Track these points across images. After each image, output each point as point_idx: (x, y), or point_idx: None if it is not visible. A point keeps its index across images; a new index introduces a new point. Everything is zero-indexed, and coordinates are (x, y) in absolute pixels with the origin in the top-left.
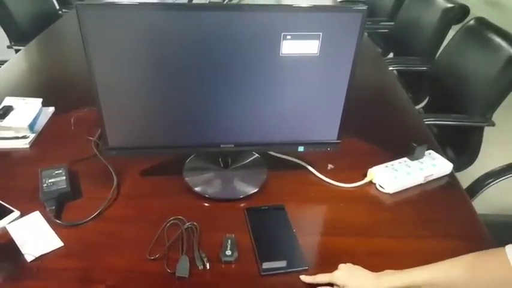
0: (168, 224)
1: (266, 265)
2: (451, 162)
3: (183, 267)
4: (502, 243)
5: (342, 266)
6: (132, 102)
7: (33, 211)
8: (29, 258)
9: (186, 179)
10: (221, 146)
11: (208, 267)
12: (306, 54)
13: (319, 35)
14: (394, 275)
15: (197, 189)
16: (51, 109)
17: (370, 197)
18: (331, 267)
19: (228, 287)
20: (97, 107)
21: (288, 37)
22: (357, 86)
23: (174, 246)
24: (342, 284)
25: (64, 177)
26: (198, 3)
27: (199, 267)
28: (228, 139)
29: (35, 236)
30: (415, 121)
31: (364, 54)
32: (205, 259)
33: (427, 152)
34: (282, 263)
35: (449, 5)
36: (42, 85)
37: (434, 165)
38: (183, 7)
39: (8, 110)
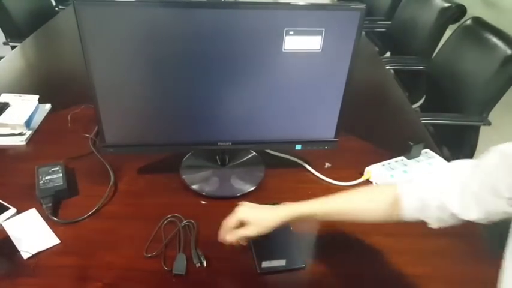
0: (165, 222)
1: (265, 264)
2: (447, 161)
3: (179, 265)
4: (497, 241)
5: (242, 202)
6: (129, 99)
7: (29, 208)
8: (25, 255)
9: (184, 176)
10: (219, 143)
11: (205, 264)
12: (309, 50)
13: (322, 31)
14: (290, 205)
15: (194, 187)
16: (48, 106)
17: None
18: (327, 265)
19: (225, 285)
20: (94, 104)
21: (291, 33)
22: (354, 85)
23: (171, 244)
24: (245, 217)
25: (61, 175)
26: (198, 1)
27: (197, 265)
28: (225, 137)
29: (31, 233)
30: (411, 120)
31: (362, 53)
32: (202, 257)
33: (423, 151)
34: (281, 262)
35: (446, 5)
36: (39, 82)
37: (430, 164)
38: (182, 4)
39: (4, 106)
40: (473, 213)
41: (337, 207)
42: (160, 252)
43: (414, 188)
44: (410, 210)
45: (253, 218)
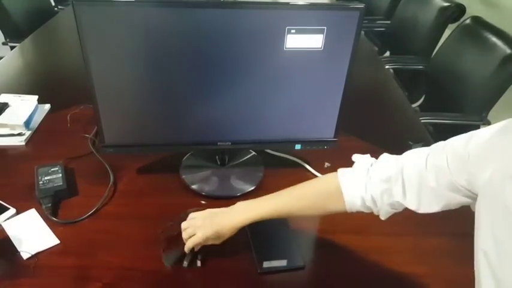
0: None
1: (266, 264)
2: None
3: (170, 258)
4: None
5: (193, 213)
6: (128, 99)
7: (29, 208)
8: (24, 255)
9: (183, 176)
10: (218, 143)
11: (199, 264)
12: (310, 49)
13: (324, 29)
14: (246, 211)
15: (194, 187)
16: (47, 106)
17: None
18: (327, 265)
19: (225, 284)
20: (93, 104)
21: (293, 31)
22: (353, 84)
23: (171, 243)
24: (201, 224)
25: (60, 175)
26: (198, 1)
27: (198, 264)
28: (225, 137)
29: (31, 233)
30: (411, 119)
31: (361, 53)
32: (199, 255)
33: None
34: (282, 262)
35: (446, 4)
36: (38, 82)
37: None
38: (182, 4)
39: (3, 107)
40: (433, 207)
41: (292, 206)
42: (160, 252)
43: (357, 183)
44: (354, 205)
45: (211, 232)
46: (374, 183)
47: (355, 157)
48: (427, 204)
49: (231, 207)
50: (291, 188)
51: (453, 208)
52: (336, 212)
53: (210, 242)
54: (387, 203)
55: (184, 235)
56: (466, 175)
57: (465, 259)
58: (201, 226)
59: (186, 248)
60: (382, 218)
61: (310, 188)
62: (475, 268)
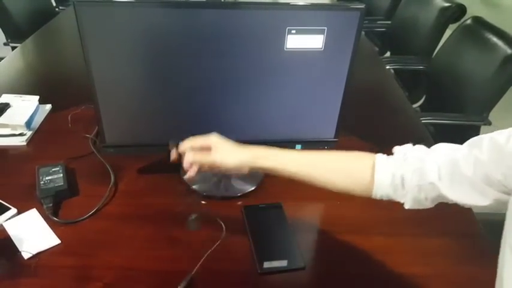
0: (166, 222)
1: (267, 264)
2: None
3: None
4: (498, 241)
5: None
6: (129, 99)
7: (30, 208)
8: (25, 255)
9: (184, 176)
10: None
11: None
12: (311, 49)
13: (324, 29)
14: (257, 152)
15: (195, 187)
16: (48, 106)
17: None
18: (328, 265)
19: (225, 284)
20: (94, 104)
21: (293, 31)
22: (354, 85)
23: (171, 243)
24: (215, 142)
25: (61, 175)
26: (198, 1)
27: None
28: (225, 136)
29: (32, 233)
30: (411, 120)
31: (362, 53)
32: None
33: None
34: (282, 263)
35: (446, 4)
36: (39, 82)
37: None
38: (183, 5)
39: (4, 107)
40: (466, 198)
41: (307, 171)
42: (161, 252)
43: (393, 163)
44: (382, 184)
45: (221, 147)
46: (408, 162)
47: (396, 149)
48: (460, 192)
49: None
50: (320, 153)
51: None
52: (360, 191)
53: (214, 162)
54: (416, 183)
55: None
56: (504, 169)
57: (466, 259)
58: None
59: (195, 159)
60: (407, 205)
61: (342, 157)
62: (499, 264)
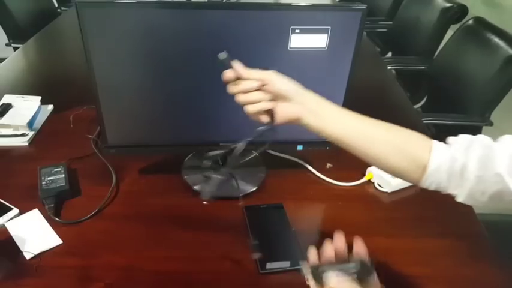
0: (166, 222)
1: (269, 265)
2: None
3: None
4: (500, 242)
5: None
6: (131, 100)
7: (32, 209)
8: (27, 255)
9: (185, 177)
10: (220, 144)
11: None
12: (315, 48)
13: (328, 29)
14: (317, 107)
15: (196, 187)
16: (50, 107)
17: (369, 196)
18: None
19: (226, 284)
20: (96, 105)
21: (297, 31)
22: (355, 85)
23: (173, 243)
24: (285, 90)
25: (63, 175)
26: (201, 2)
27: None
28: (227, 137)
29: (33, 233)
30: (413, 120)
31: (363, 54)
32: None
33: None
34: (285, 264)
35: (448, 5)
36: (41, 83)
37: None
38: (185, 5)
39: (6, 107)
40: None
41: (361, 144)
42: (163, 252)
43: (455, 148)
44: (439, 166)
45: (292, 94)
46: (473, 148)
47: (452, 138)
48: None
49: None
50: (377, 123)
51: None
52: (411, 174)
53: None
54: (478, 173)
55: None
56: None
57: (467, 260)
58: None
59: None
60: (460, 198)
61: (402, 134)
62: None
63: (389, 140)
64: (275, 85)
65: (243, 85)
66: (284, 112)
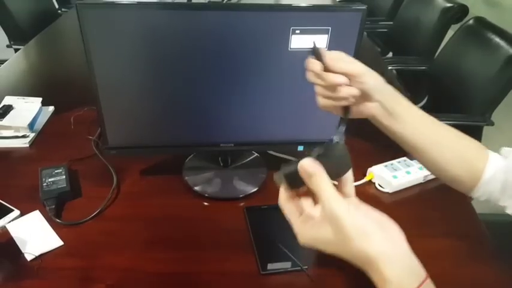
0: (167, 223)
1: (270, 266)
2: None
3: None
4: (500, 242)
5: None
6: (132, 101)
7: (33, 210)
8: (28, 257)
9: (186, 178)
10: (221, 145)
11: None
12: None
13: (328, 29)
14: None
15: (197, 188)
16: (51, 108)
17: (370, 196)
18: (330, 267)
19: (227, 285)
20: (97, 106)
21: (297, 31)
22: None
23: (175, 245)
24: (361, 76)
25: (64, 177)
26: (201, 3)
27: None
28: (228, 138)
29: (34, 235)
30: None
31: (363, 54)
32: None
33: None
34: (286, 264)
35: (449, 5)
36: (42, 84)
37: None
38: (186, 6)
39: (7, 109)
40: None
41: (428, 148)
42: (163, 253)
43: (510, 160)
44: (494, 176)
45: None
46: None
47: (506, 149)
48: None
49: None
50: (443, 127)
51: None
52: (465, 182)
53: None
54: None
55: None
56: None
57: (469, 260)
58: None
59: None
60: (510, 210)
61: (464, 142)
62: None
63: (455, 148)
64: (363, 83)
65: (330, 79)
66: (361, 109)
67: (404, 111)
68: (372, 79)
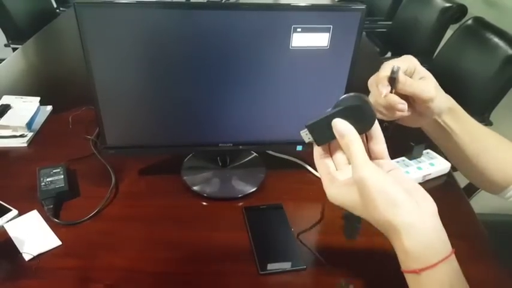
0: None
1: (270, 266)
2: (449, 161)
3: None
4: (500, 242)
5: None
6: (130, 101)
7: (31, 210)
8: (27, 257)
9: (185, 178)
10: (219, 145)
11: None
12: (316, 47)
13: (330, 27)
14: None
15: (195, 188)
16: (49, 108)
17: None
18: (329, 267)
19: (226, 285)
20: (95, 105)
21: (299, 30)
22: (355, 85)
23: (173, 244)
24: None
25: (62, 176)
26: (200, 2)
27: None
28: (226, 138)
29: (33, 234)
30: None
31: (362, 54)
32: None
33: (425, 151)
34: (285, 265)
35: (447, 5)
36: (40, 84)
37: (432, 164)
38: (185, 6)
39: (5, 108)
40: None
41: (475, 152)
42: (162, 253)
43: None
44: None
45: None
46: None
47: None
48: None
49: None
50: (488, 132)
51: None
52: (498, 183)
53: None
54: None
55: None
56: None
57: (467, 260)
58: None
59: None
60: None
61: (505, 146)
62: None
63: (498, 155)
64: (429, 108)
65: (392, 101)
66: (411, 122)
67: (457, 127)
68: (438, 103)
